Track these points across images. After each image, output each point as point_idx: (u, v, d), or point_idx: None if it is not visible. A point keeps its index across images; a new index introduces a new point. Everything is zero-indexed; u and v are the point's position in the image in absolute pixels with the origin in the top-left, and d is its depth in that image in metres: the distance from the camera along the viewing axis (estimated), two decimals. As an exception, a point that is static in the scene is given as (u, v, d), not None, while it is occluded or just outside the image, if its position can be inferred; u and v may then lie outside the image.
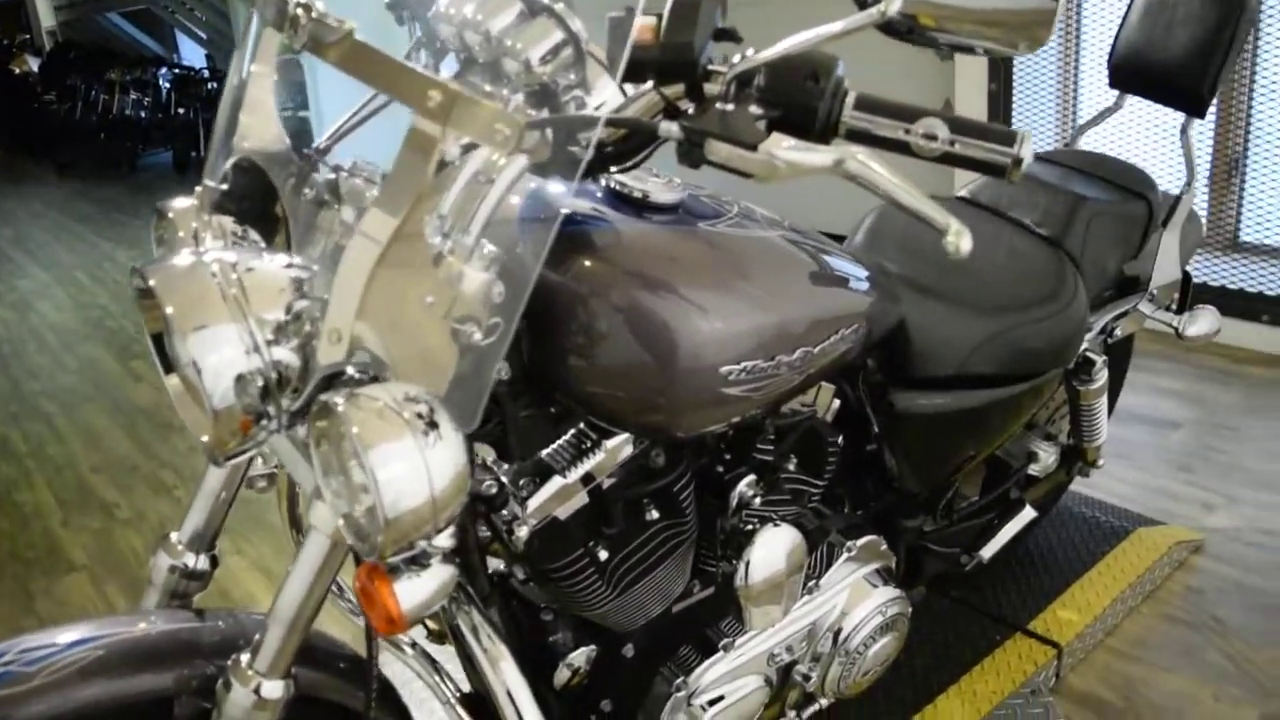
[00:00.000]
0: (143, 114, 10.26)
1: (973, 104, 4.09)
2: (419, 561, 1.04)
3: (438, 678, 1.45)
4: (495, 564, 1.45)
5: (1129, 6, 2.05)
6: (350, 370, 1.00)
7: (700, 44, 0.91)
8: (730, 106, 0.92)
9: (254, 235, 1.20)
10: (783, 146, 0.91)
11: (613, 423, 1.26)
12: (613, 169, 1.08)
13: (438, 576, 1.04)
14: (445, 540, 1.03)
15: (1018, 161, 0.89)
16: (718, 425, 1.28)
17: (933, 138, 0.89)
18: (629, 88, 1.03)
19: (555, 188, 1.12)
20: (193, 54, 13.15)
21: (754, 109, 0.92)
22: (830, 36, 0.95)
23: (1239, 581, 2.44)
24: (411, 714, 1.50)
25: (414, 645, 1.51)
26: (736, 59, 0.94)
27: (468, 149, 1.02)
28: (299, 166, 1.14)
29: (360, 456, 0.90)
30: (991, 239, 1.83)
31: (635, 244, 1.22)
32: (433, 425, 0.93)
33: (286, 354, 1.01)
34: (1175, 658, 2.22)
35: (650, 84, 1.01)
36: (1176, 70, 1.95)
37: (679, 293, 1.19)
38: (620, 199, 1.25)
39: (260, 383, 1.00)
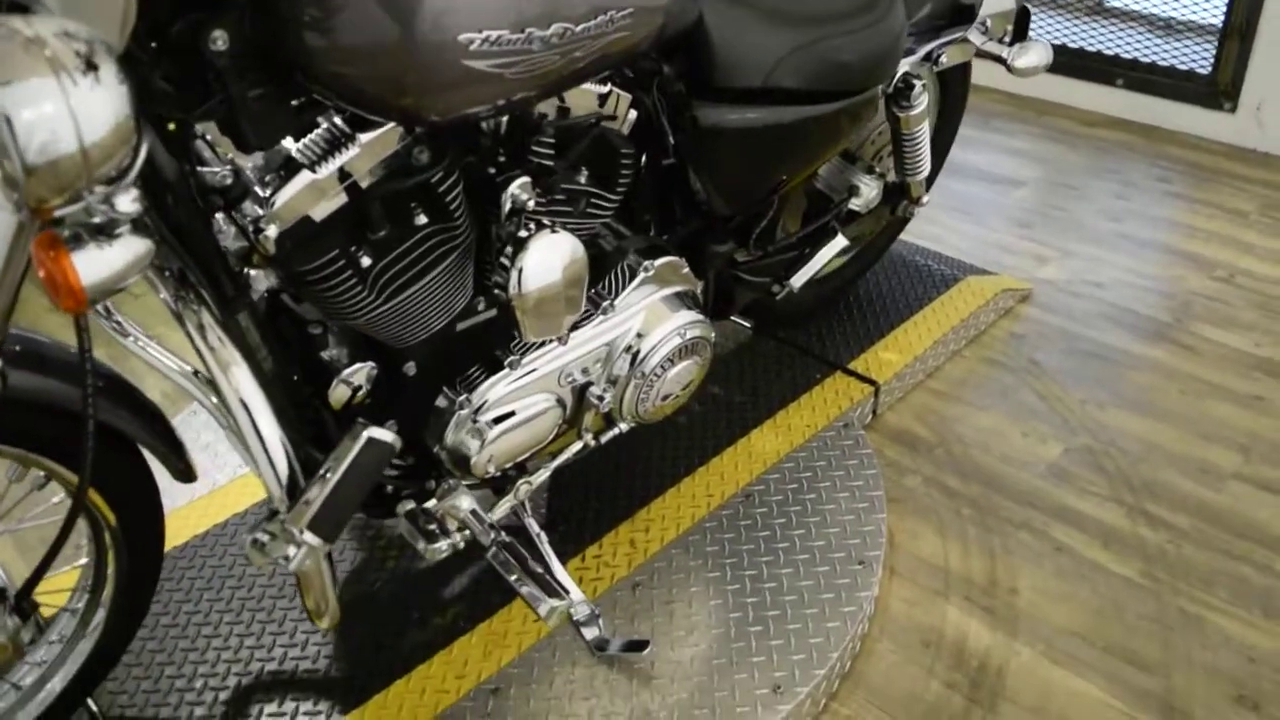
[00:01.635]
0: None
1: None
2: (105, 232, 0.94)
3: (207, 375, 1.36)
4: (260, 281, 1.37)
5: None
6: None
7: None
8: None
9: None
10: None
11: (355, 105, 1.16)
12: None
13: (127, 249, 0.95)
14: (129, 204, 0.93)
15: None
16: (472, 109, 1.19)
17: None
18: None
19: None
20: None
21: None
22: None
23: (1062, 329, 2.49)
24: (183, 445, 1.44)
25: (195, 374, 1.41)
26: None
27: None
28: None
29: None
30: (809, -51, 1.72)
31: None
32: (90, 67, 0.83)
33: None
34: (990, 397, 2.27)
35: None
36: None
37: None
38: None
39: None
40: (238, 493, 1.98)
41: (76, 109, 0.81)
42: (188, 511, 1.94)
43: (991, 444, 2.14)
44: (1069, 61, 3.62)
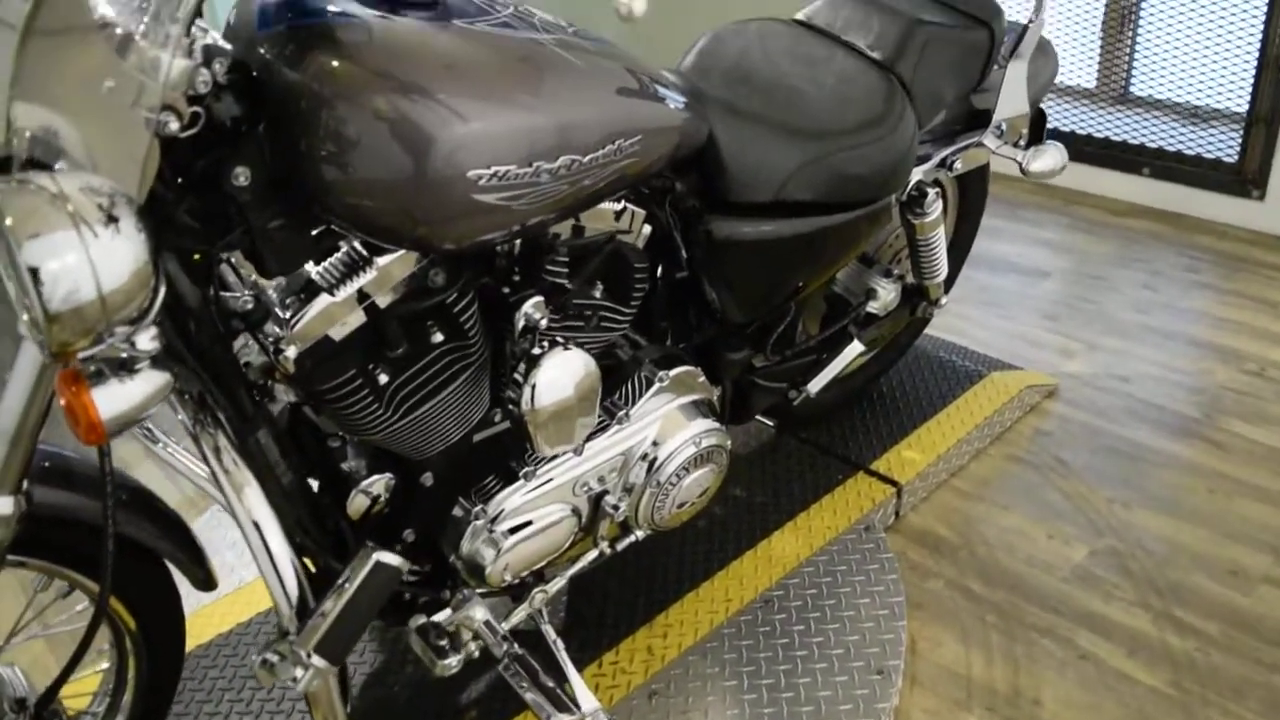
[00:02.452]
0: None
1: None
2: (126, 367, 0.98)
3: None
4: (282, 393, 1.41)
5: None
6: (36, 159, 0.93)
7: None
8: None
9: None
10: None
11: (369, 235, 1.20)
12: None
13: (146, 383, 0.99)
14: (148, 343, 0.97)
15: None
16: (483, 238, 1.22)
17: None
18: None
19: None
20: None
21: None
22: None
23: (1088, 425, 2.48)
24: (205, 554, 1.48)
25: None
26: None
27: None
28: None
29: (14, 248, 0.83)
30: (821, 63, 1.77)
31: (384, 42, 1.14)
32: (111, 219, 0.87)
33: None
34: (1015, 497, 2.25)
35: None
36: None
37: (425, 94, 1.12)
38: (373, -8, 1.17)
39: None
40: (263, 590, 1.99)
41: (97, 260, 0.85)
42: (212, 609, 1.96)
43: (1016, 545, 2.12)
44: (1095, 151, 3.64)
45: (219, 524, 2.20)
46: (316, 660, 1.27)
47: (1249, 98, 3.33)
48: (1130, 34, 3.64)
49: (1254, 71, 3.29)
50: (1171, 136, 3.54)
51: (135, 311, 0.90)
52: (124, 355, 0.98)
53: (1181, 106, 3.59)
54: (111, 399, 0.96)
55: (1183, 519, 2.18)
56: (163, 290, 0.94)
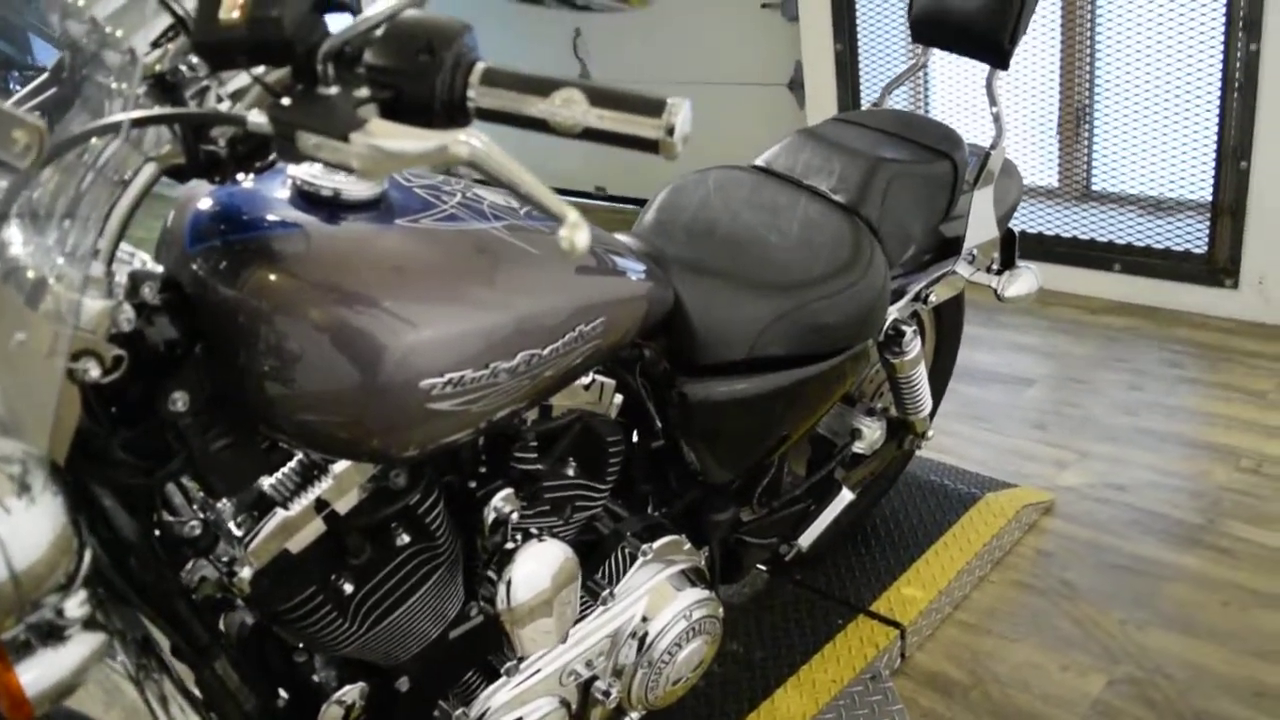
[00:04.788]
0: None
1: (821, 65, 4.00)
2: (54, 634, 0.90)
3: None
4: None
5: None
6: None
7: (293, 17, 0.77)
8: (333, 90, 0.79)
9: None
10: (381, 135, 0.78)
11: (322, 451, 1.13)
12: (259, 165, 0.94)
13: (77, 649, 0.90)
14: (77, 609, 0.89)
15: (670, 130, 0.77)
16: (441, 443, 1.15)
17: (571, 111, 0.77)
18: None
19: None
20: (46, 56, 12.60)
21: (362, 92, 0.79)
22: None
23: (1089, 541, 2.40)
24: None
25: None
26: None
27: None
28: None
29: None
30: (785, 210, 1.73)
31: (321, 250, 1.08)
32: (24, 488, 0.80)
33: None
34: (1023, 627, 2.16)
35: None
36: (975, 22, 1.86)
37: (370, 302, 1.06)
38: (309, 199, 1.11)
39: None
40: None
41: (7, 539, 0.77)
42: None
43: (1030, 681, 2.02)
44: (1065, 250, 3.64)
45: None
46: None
47: (1212, 188, 3.34)
48: (1087, 131, 3.67)
49: (1214, 161, 3.30)
50: (1138, 230, 3.54)
51: (58, 581, 0.82)
52: (49, 623, 0.89)
53: (1144, 199, 3.59)
54: (39, 673, 0.88)
55: (1199, 637, 2.09)
56: (88, 554, 0.86)
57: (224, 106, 0.92)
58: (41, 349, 0.85)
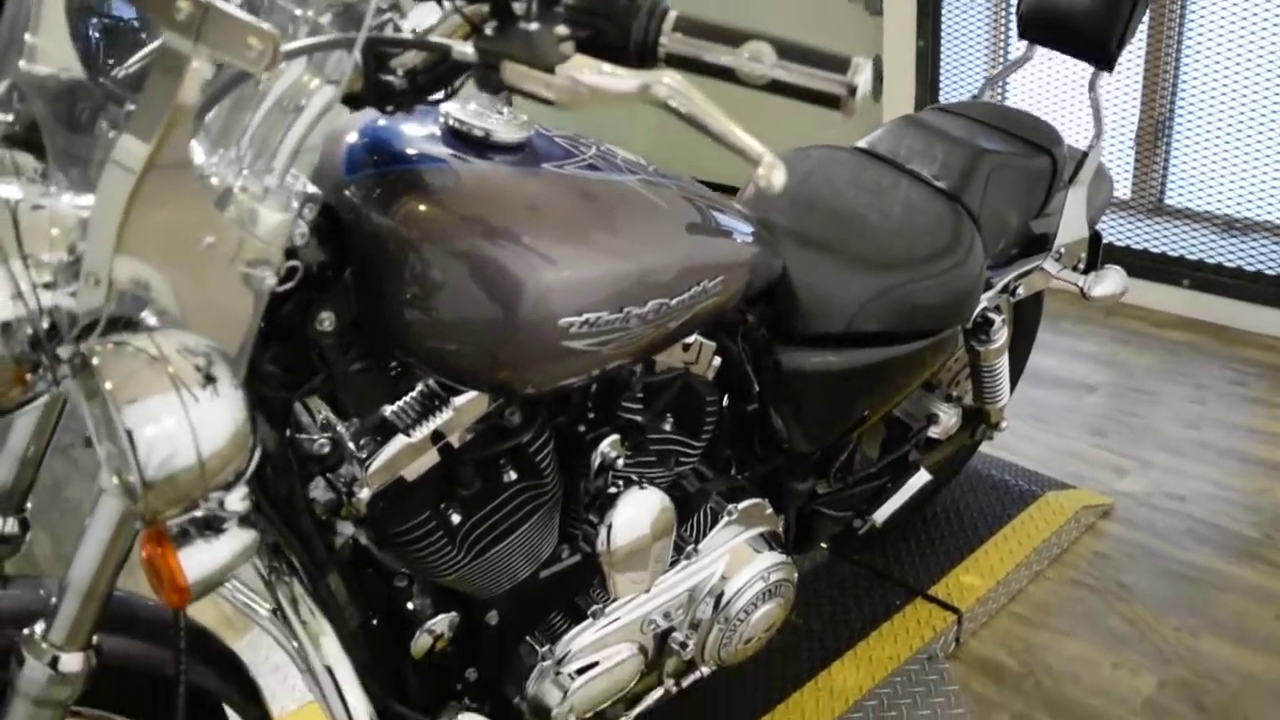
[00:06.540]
0: None
1: (901, 61, 4.01)
2: (212, 526, 0.95)
3: (297, 644, 1.36)
4: (346, 528, 1.37)
5: None
6: (130, 317, 0.90)
7: (502, -48, 0.81)
8: (534, 26, 0.83)
9: (59, 172, 1.09)
10: (586, 71, 0.82)
11: (451, 378, 1.18)
12: (433, 99, 0.98)
13: (233, 543, 0.95)
14: (238, 504, 0.94)
15: (852, 90, 0.81)
16: (566, 381, 1.20)
17: (759, 62, 0.80)
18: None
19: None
20: None
21: (561, 29, 0.83)
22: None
23: (1146, 546, 2.42)
24: (260, 691, 1.43)
25: (276, 611, 1.41)
26: (548, -29, 0.85)
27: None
28: (92, 94, 1.03)
29: (114, 413, 0.80)
30: (887, 191, 1.76)
31: (471, 187, 1.13)
32: (209, 380, 0.84)
33: (65, 299, 0.91)
34: (1077, 623, 2.19)
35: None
36: (1084, 22, 1.88)
37: (515, 239, 1.11)
38: (460, 138, 1.16)
39: (30, 330, 0.90)
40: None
41: (197, 425, 0.82)
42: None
43: (1082, 675, 2.05)
44: (1134, 262, 3.62)
45: (259, 646, 2.14)
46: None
47: (1287, 210, 3.32)
48: (1164, 145, 3.65)
49: (1292, 183, 3.29)
50: (1209, 248, 3.53)
51: (232, 475, 0.87)
52: (211, 514, 0.94)
53: (1218, 217, 3.58)
54: (198, 561, 0.93)
55: (1252, 647, 2.10)
56: (258, 451, 0.91)
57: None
58: (227, 253, 0.89)
